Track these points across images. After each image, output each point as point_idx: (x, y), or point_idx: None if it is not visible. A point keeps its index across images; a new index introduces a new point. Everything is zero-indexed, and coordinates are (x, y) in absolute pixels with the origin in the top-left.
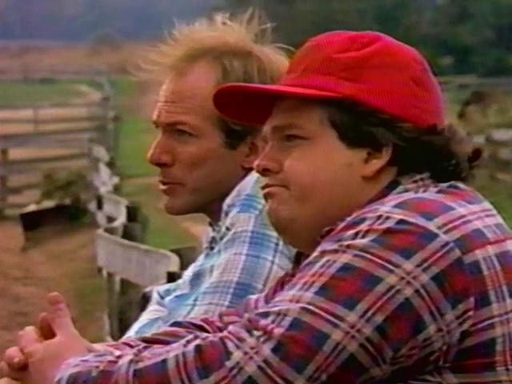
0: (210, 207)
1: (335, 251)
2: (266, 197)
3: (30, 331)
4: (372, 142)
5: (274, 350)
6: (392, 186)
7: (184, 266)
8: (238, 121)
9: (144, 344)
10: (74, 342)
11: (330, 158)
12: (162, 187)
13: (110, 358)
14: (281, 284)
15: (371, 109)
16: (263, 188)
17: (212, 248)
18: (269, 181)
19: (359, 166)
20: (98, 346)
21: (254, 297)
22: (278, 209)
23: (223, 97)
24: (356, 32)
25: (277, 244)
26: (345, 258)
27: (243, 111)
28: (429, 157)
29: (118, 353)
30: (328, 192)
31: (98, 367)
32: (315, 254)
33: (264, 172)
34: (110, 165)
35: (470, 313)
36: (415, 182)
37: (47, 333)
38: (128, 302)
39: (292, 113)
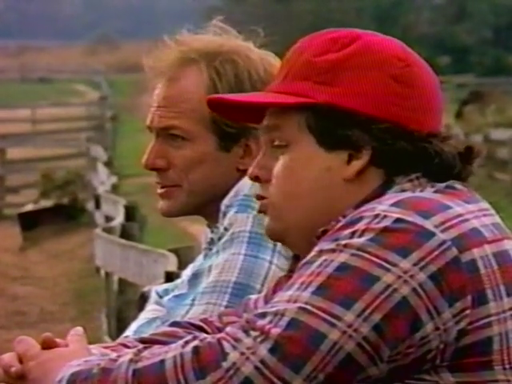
0: (206, 209)
1: (332, 250)
2: (261, 209)
3: (30, 339)
4: (350, 145)
5: (271, 350)
6: (387, 186)
7: (182, 265)
8: (237, 122)
9: (143, 344)
10: (85, 351)
11: (310, 163)
12: (160, 191)
13: (111, 356)
14: (280, 284)
15: (346, 112)
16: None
17: (210, 249)
18: (260, 192)
19: (340, 168)
20: (94, 349)
21: (253, 297)
22: (269, 223)
23: (217, 104)
24: (342, 30)
25: (275, 244)
26: (342, 258)
27: (241, 114)
28: (409, 156)
29: (115, 354)
30: (312, 198)
31: (99, 365)
32: (312, 253)
33: (255, 180)
34: (108, 164)
35: (467, 311)
36: (411, 181)
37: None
38: (126, 302)
39: (275, 120)
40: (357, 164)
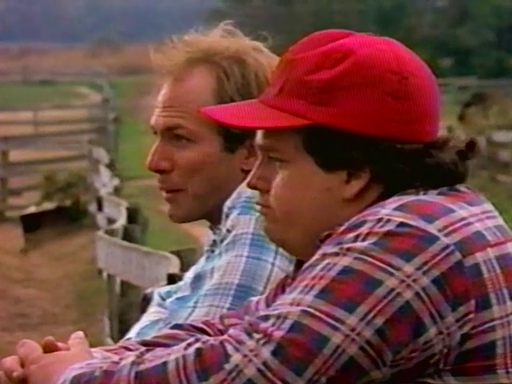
0: (212, 212)
1: (336, 254)
2: (261, 214)
3: (32, 342)
4: (349, 165)
5: (274, 353)
6: (389, 196)
7: (184, 267)
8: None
9: (145, 347)
10: (86, 355)
11: (309, 183)
12: (165, 195)
13: (114, 358)
14: (281, 286)
15: (344, 133)
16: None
17: (213, 251)
18: (259, 199)
19: (339, 188)
20: (96, 353)
21: (254, 299)
22: (269, 228)
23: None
24: (335, 41)
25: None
26: (345, 261)
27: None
28: (409, 174)
29: (118, 357)
30: (311, 217)
31: (101, 367)
32: (316, 256)
33: (255, 189)
34: (110, 166)
35: (471, 315)
36: (414, 187)
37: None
38: (128, 304)
39: (271, 139)
40: (357, 184)
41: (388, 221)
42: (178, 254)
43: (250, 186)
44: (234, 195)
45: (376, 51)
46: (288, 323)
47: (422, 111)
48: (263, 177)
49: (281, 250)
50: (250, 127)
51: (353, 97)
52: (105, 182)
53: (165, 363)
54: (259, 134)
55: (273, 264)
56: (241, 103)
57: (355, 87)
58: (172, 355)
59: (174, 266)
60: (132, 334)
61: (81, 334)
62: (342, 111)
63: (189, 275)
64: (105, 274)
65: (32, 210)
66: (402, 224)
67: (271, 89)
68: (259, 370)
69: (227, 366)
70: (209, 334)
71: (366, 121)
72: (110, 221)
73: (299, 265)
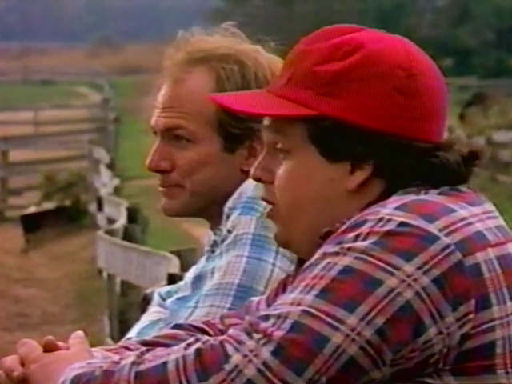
0: (210, 211)
1: (336, 254)
2: (268, 216)
3: (33, 342)
4: (353, 157)
5: (274, 353)
6: (392, 193)
7: (184, 267)
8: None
9: (145, 347)
10: (86, 354)
11: (313, 174)
12: (162, 189)
13: (114, 358)
14: (282, 286)
15: (349, 125)
16: (262, 199)
17: (213, 251)
18: (264, 194)
19: (343, 179)
20: (96, 352)
21: (255, 299)
22: (276, 230)
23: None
24: (346, 34)
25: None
26: (345, 261)
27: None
28: (413, 170)
29: (118, 357)
30: (314, 209)
31: (101, 367)
32: (316, 256)
33: (258, 181)
34: (111, 166)
35: (471, 315)
36: (416, 185)
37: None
38: (128, 304)
39: (277, 127)
40: (360, 175)
41: (389, 220)
42: (178, 253)
43: (253, 177)
44: (235, 196)
45: (386, 46)
46: (288, 323)
47: (428, 110)
48: (267, 168)
49: (281, 250)
50: (256, 113)
51: (360, 90)
52: (105, 181)
53: (165, 363)
54: (265, 123)
55: (273, 264)
56: (249, 92)
57: (363, 80)
58: (172, 355)
59: (174, 265)
60: (132, 333)
61: (81, 333)
62: (348, 103)
63: (189, 275)
64: (105, 274)
65: (32, 209)
66: (402, 223)
67: (280, 79)
68: (259, 371)
69: (227, 367)
70: (209, 334)
71: (371, 114)
72: (110, 221)
73: (300, 264)
